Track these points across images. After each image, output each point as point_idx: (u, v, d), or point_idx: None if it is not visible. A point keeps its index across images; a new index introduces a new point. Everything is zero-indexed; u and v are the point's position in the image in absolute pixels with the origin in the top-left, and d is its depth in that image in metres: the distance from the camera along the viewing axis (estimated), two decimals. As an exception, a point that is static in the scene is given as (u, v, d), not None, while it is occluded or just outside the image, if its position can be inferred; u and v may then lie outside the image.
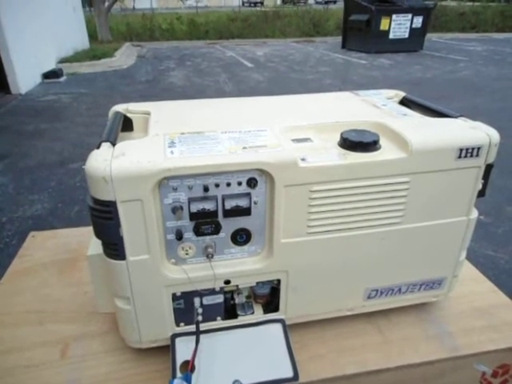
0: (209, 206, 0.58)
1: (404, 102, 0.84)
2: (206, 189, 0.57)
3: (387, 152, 0.62)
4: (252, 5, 26.55)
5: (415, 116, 0.74)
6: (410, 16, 8.65)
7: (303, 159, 0.59)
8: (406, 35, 8.88)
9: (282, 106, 0.82)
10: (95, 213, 0.56)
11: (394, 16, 8.54)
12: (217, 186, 0.58)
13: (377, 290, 0.73)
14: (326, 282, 0.69)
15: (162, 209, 0.58)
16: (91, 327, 0.78)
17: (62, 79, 5.76)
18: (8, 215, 2.24)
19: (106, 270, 0.63)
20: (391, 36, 8.78)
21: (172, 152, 0.57)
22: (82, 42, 8.12)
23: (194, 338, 0.65)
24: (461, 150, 0.62)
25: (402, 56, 8.38)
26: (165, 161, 0.54)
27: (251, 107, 0.81)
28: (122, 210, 0.55)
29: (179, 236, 0.59)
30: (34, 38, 5.49)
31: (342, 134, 0.64)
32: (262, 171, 0.58)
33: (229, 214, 0.60)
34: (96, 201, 0.55)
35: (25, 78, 5.08)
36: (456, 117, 0.71)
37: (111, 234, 0.57)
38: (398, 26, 8.72)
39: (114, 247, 0.58)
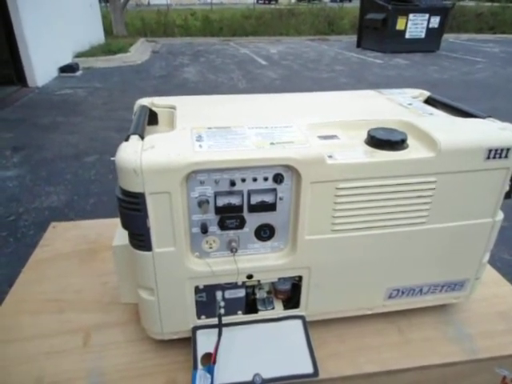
0: (234, 200, 0.59)
1: (429, 102, 0.84)
2: (232, 183, 0.57)
3: (415, 151, 0.62)
4: (266, 2, 26.47)
5: (442, 115, 0.73)
6: (427, 16, 8.53)
7: (330, 156, 0.59)
8: (423, 35, 8.77)
9: (305, 103, 0.82)
10: (124, 204, 0.56)
11: (410, 15, 8.44)
12: (243, 180, 0.58)
13: (398, 290, 0.73)
14: (348, 280, 0.69)
15: (189, 202, 0.58)
16: (111, 317, 0.79)
17: (78, 73, 5.83)
18: (25, 206, 2.27)
19: (130, 261, 0.63)
20: (407, 36, 8.67)
21: (200, 146, 0.57)
22: (97, 36, 8.19)
23: (214, 331, 0.65)
24: (490, 150, 0.62)
25: (418, 56, 8.28)
26: (194, 154, 0.55)
27: (275, 104, 0.81)
28: (150, 202, 0.55)
29: (204, 229, 0.60)
30: (51, 32, 5.56)
31: (369, 131, 0.64)
32: (288, 167, 0.58)
33: (254, 209, 0.60)
34: (125, 192, 0.56)
35: (42, 72, 5.15)
36: (484, 117, 0.71)
37: (139, 226, 0.58)
38: (415, 25, 8.61)
39: (141, 238, 0.59)
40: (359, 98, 0.85)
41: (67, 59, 6.17)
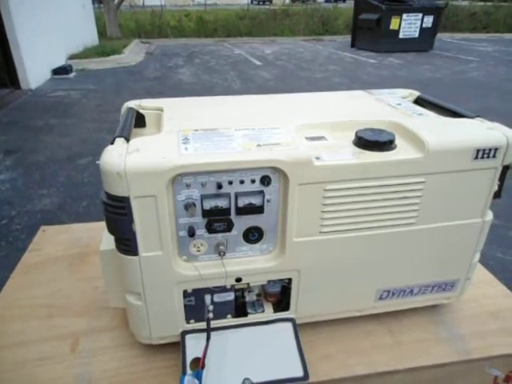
0: (222, 203, 0.58)
1: (419, 102, 0.83)
2: (219, 186, 0.57)
3: (403, 152, 0.62)
4: (261, 3, 26.50)
5: (431, 116, 0.73)
6: (420, 15, 8.58)
7: (318, 158, 0.59)
8: (416, 35, 8.81)
9: (294, 104, 0.81)
10: (109, 208, 0.56)
11: (404, 15, 8.47)
12: (230, 183, 0.57)
13: (388, 291, 0.73)
14: (338, 282, 0.69)
15: (175, 205, 0.58)
16: (101, 322, 0.78)
17: (72, 75, 5.80)
18: (17, 209, 2.26)
19: (117, 266, 0.63)
20: (401, 35, 8.71)
21: (186, 148, 0.56)
22: (91, 38, 8.16)
23: (203, 335, 0.65)
24: (478, 150, 0.62)
25: (411, 55, 8.32)
26: (179, 157, 0.54)
27: (264, 105, 0.81)
28: (135, 206, 0.55)
29: (191, 233, 0.59)
30: (44, 34, 5.53)
31: (357, 132, 0.63)
32: (275, 169, 0.57)
33: (241, 211, 0.59)
34: (110, 196, 0.55)
35: (35, 74, 5.12)
36: (473, 117, 0.70)
37: (124, 230, 0.57)
38: (409, 25, 8.65)
39: (127, 243, 0.58)
40: (348, 99, 0.84)
41: (60, 61, 6.13)
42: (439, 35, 9.50)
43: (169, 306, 0.64)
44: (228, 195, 0.58)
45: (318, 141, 0.64)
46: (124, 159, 0.53)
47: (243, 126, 0.65)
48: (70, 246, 1.01)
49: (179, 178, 0.56)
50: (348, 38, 9.94)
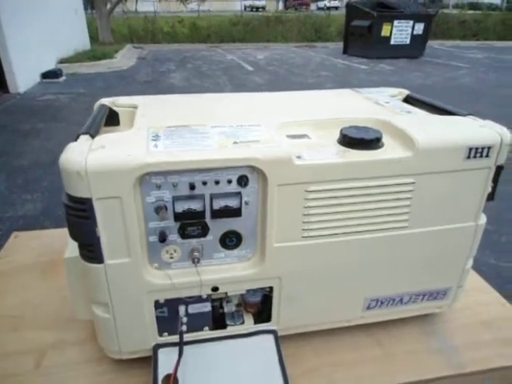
0: (195, 205, 0.54)
1: (408, 101, 0.80)
2: (192, 187, 0.52)
3: (391, 150, 0.58)
4: (254, 10, 26.64)
5: (421, 114, 0.69)
6: (411, 22, 8.65)
7: (299, 156, 0.54)
8: (408, 41, 8.88)
9: (278, 102, 0.77)
10: (70, 211, 0.51)
11: (395, 22, 8.55)
12: (204, 183, 0.53)
13: (377, 300, 0.68)
14: (323, 291, 0.64)
15: (144, 208, 0.53)
16: (70, 334, 0.72)
17: (62, 79, 5.73)
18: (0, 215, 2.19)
19: (84, 274, 0.57)
20: (392, 42, 8.77)
21: (156, 146, 0.52)
22: (82, 43, 8.10)
23: (177, 349, 0.60)
24: (470, 149, 0.58)
25: (402, 62, 8.37)
26: (146, 155, 0.50)
27: (246, 102, 0.76)
28: (98, 209, 0.50)
29: (162, 238, 0.54)
30: (33, 38, 5.46)
31: (341, 130, 0.59)
32: (253, 168, 0.53)
33: (217, 214, 0.55)
34: (70, 198, 0.50)
35: (24, 78, 5.05)
36: (464, 115, 0.67)
37: (87, 235, 0.52)
38: (400, 32, 8.72)
39: (90, 249, 0.53)
40: (334, 97, 0.80)
41: (50, 65, 6.07)
42: (430, 42, 9.59)
43: (139, 317, 0.59)
44: (202, 197, 0.53)
45: (300, 139, 0.60)
46: (85, 157, 0.48)
47: (221, 123, 0.61)
48: (43, 252, 0.95)
49: (147, 178, 0.51)
50: (340, 44, 10.00)
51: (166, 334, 0.63)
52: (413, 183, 0.58)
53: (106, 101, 0.73)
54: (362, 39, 8.82)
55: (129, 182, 0.49)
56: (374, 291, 0.67)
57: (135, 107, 0.70)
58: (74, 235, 0.53)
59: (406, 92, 0.83)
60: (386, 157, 0.56)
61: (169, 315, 0.61)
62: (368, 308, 0.68)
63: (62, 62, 6.51)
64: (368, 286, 0.66)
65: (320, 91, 0.85)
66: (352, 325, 0.70)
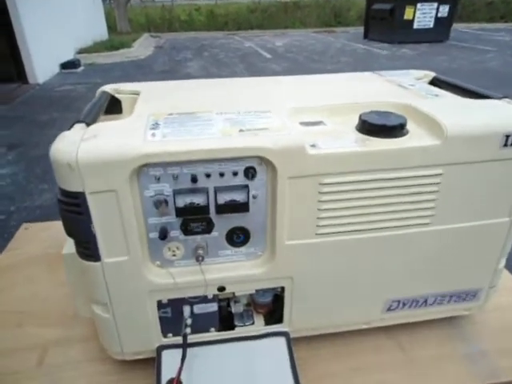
0: (198, 199, 0.49)
1: (435, 83, 0.73)
2: (194, 179, 0.48)
3: (416, 138, 0.51)
4: (272, -5, 26.14)
5: (449, 97, 0.62)
6: (435, 5, 8.29)
7: (313, 145, 0.49)
8: (431, 25, 8.52)
9: (291, 87, 0.71)
10: (63, 206, 0.47)
11: (418, 5, 8.20)
12: (208, 176, 0.48)
13: (398, 301, 0.63)
14: (338, 291, 0.59)
15: (143, 202, 0.49)
16: (74, 331, 0.70)
17: (80, 69, 5.76)
18: (17, 204, 2.21)
19: (81, 272, 0.54)
20: (415, 26, 8.43)
21: (153, 134, 0.47)
22: (100, 33, 8.12)
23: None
24: (507, 136, 0.51)
25: (425, 46, 8.06)
26: (143, 144, 0.45)
27: (256, 87, 0.71)
28: (92, 203, 0.46)
29: (163, 235, 0.50)
30: (52, 29, 5.49)
31: (360, 116, 0.53)
32: (261, 159, 0.48)
33: (222, 209, 0.50)
34: (63, 192, 0.46)
35: (42, 69, 5.09)
36: (499, 98, 0.60)
37: (82, 231, 0.48)
38: (423, 15, 8.37)
39: (86, 246, 0.49)
40: (353, 81, 0.74)
41: (69, 55, 6.10)
42: (455, 25, 9.19)
43: (141, 318, 0.56)
44: (206, 190, 0.49)
45: (315, 126, 0.54)
46: (77, 147, 0.44)
47: (227, 109, 0.56)
48: (52, 244, 0.93)
49: (145, 170, 0.47)
50: (361, 29, 9.70)
51: (170, 334, 0.59)
52: (440, 175, 0.52)
53: (108, 87, 0.69)
54: (383, 23, 8.52)
55: (124, 174, 0.45)
56: (394, 292, 0.62)
57: (139, 94, 0.66)
58: (68, 232, 0.49)
59: (432, 74, 0.76)
60: (411, 145, 0.50)
61: (173, 315, 0.57)
62: (389, 309, 0.63)
63: (80, 52, 6.54)
64: (388, 286, 0.61)
65: (337, 75, 0.78)
66: (371, 327, 0.65)
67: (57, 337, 0.69)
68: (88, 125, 0.50)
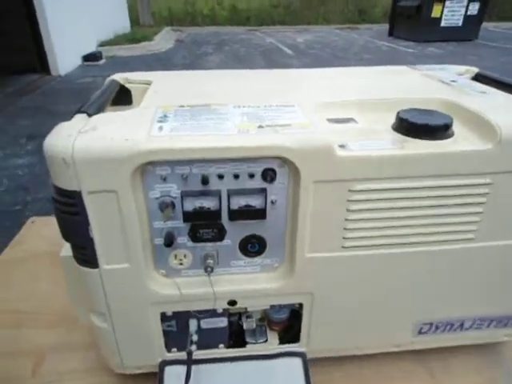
0: (209, 203, 0.43)
1: (479, 80, 0.65)
2: (204, 180, 0.42)
3: (463, 141, 0.44)
4: (295, -9, 25.87)
5: (499, 95, 0.55)
6: (465, 2, 7.99)
7: (342, 146, 0.42)
8: (460, 23, 8.23)
9: (317, 79, 0.65)
10: (57, 205, 0.42)
11: (447, 2, 7.92)
12: (220, 177, 0.42)
13: (431, 324, 0.56)
14: (364, 310, 0.53)
15: (147, 204, 0.43)
16: (74, 336, 0.66)
17: (101, 62, 5.79)
18: (32, 195, 2.20)
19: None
20: (443, 24, 8.16)
21: (160, 128, 0.41)
22: (123, 26, 8.15)
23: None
24: None
25: (453, 45, 7.80)
26: (148, 139, 0.39)
27: (279, 79, 0.64)
28: (89, 204, 0.41)
29: (169, 241, 0.44)
30: (75, 21, 5.52)
31: (398, 113, 0.46)
32: (283, 160, 0.42)
33: (236, 215, 0.44)
34: (57, 190, 0.41)
35: (64, 60, 5.13)
36: (559, 97, 0.52)
37: (78, 235, 0.43)
38: (452, 12, 8.09)
39: (83, 251, 0.44)
40: (386, 74, 0.67)
41: (91, 48, 6.14)
42: (485, 24, 8.86)
43: (143, 330, 0.51)
44: (218, 193, 0.43)
45: (344, 124, 0.48)
46: (73, 141, 0.39)
47: (245, 102, 0.49)
48: (56, 240, 0.88)
49: (150, 169, 0.41)
50: (386, 26, 9.46)
51: (174, 349, 0.54)
52: (490, 184, 0.45)
53: (118, 76, 0.63)
54: (409, 21, 8.28)
55: (125, 172, 0.39)
56: (427, 313, 0.55)
57: (150, 84, 0.60)
58: (64, 235, 0.44)
59: (475, 70, 0.68)
60: (457, 149, 0.43)
61: (178, 329, 0.52)
62: (420, 332, 0.56)
63: (102, 44, 6.57)
64: (420, 306, 0.54)
65: (368, 68, 0.71)
66: (400, 350, 0.58)
67: (56, 341, 0.65)
68: (90, 116, 0.45)
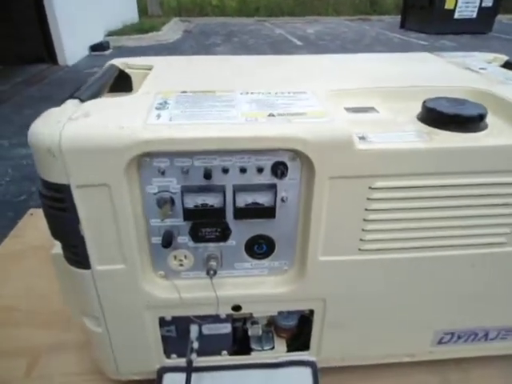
0: (212, 200, 0.39)
1: (509, 68, 0.59)
2: (207, 175, 0.37)
3: (498, 133, 0.39)
4: (306, -18, 25.52)
5: (536, 83, 0.49)
6: (480, -7, 7.80)
7: (362, 138, 0.38)
8: (474, 15, 8.02)
9: (332, 65, 0.60)
10: (45, 201, 0.38)
11: (461, -7, 7.74)
12: (225, 171, 0.38)
13: (452, 334, 0.51)
14: (381, 318, 0.48)
15: (144, 200, 0.39)
16: (70, 336, 0.62)
17: (108, 52, 5.73)
18: (37, 186, 2.18)
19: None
20: (456, 16, 7.96)
21: (158, 116, 0.37)
22: (131, 16, 8.08)
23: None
24: None
25: (466, 38, 7.62)
26: (144, 128, 0.35)
27: (292, 65, 0.59)
28: (79, 199, 0.37)
29: (167, 241, 0.40)
30: (83, 11, 5.47)
31: (424, 102, 0.41)
32: (295, 153, 0.37)
33: (242, 214, 0.40)
34: (44, 183, 0.37)
35: (72, 50, 5.09)
36: None
37: (68, 233, 0.39)
38: (466, 4, 7.88)
39: (74, 251, 0.40)
40: (409, 61, 0.61)
41: (99, 38, 6.09)
42: (499, 17, 8.64)
43: (139, 336, 0.47)
44: (222, 189, 0.39)
45: (365, 113, 0.43)
46: (61, 129, 0.34)
47: (254, 88, 0.45)
48: (56, 234, 0.86)
49: (148, 161, 0.37)
50: (397, 18, 9.27)
51: (174, 355, 0.50)
52: (527, 183, 0.40)
53: (118, 61, 0.59)
54: (422, 12, 8.09)
55: (119, 164, 0.35)
56: (449, 322, 0.50)
57: (151, 69, 0.56)
58: (53, 232, 0.40)
59: (504, 58, 0.63)
60: (492, 143, 0.38)
61: (178, 335, 0.48)
62: (440, 342, 0.52)
63: (109, 34, 6.52)
64: (442, 315, 0.49)
65: (387, 54, 0.66)
66: (417, 360, 0.54)
67: (51, 341, 0.62)
68: (83, 101, 0.41)
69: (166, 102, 0.40)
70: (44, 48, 4.78)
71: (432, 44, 6.95)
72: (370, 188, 0.38)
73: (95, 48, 5.65)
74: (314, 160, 0.36)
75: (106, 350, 0.48)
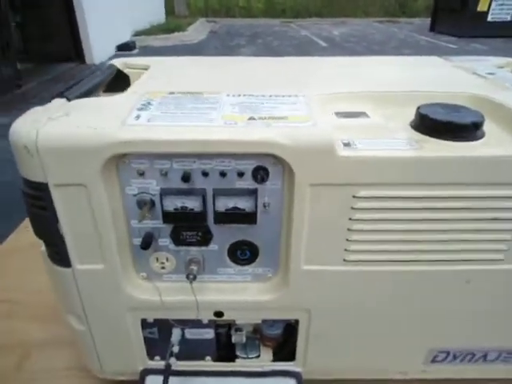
0: (192, 203, 0.38)
1: (522, 73, 0.56)
2: (186, 177, 0.37)
3: (495, 143, 0.37)
4: (334, -17, 25.28)
5: (546, 90, 0.46)
6: (515, -5, 7.52)
7: (347, 144, 0.36)
8: (509, 18, 7.73)
9: (337, 68, 0.58)
10: (26, 198, 0.38)
11: (495, -5, 7.48)
12: (205, 174, 0.37)
13: (447, 353, 0.49)
14: (369, 332, 0.46)
15: (125, 201, 0.39)
16: (63, 331, 0.61)
17: (134, 52, 5.86)
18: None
19: (57, 275, 0.46)
20: (490, 18, 7.69)
21: (137, 117, 0.37)
22: (158, 16, 8.24)
23: (172, 377, 0.46)
24: None
25: (500, 42, 7.35)
26: (120, 128, 0.35)
27: (294, 67, 0.58)
28: (57, 198, 0.37)
29: (146, 243, 0.40)
30: (111, 10, 5.61)
31: (418, 108, 0.39)
32: (275, 157, 0.36)
33: (222, 219, 0.39)
34: (24, 181, 0.37)
35: (100, 50, 5.22)
36: None
37: (47, 231, 0.39)
38: (500, 6, 7.61)
39: (55, 249, 0.41)
40: (414, 65, 0.59)
41: (125, 37, 6.23)
42: (536, 19, 8.29)
43: (121, 336, 0.47)
44: (202, 192, 0.38)
45: (354, 118, 0.41)
46: (38, 128, 0.35)
47: (243, 91, 0.44)
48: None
49: (126, 162, 0.37)
50: (427, 20, 9.05)
51: (157, 357, 0.49)
52: (526, 197, 0.37)
53: (118, 61, 0.59)
54: (453, 15, 7.86)
55: (95, 164, 0.35)
56: (443, 340, 0.48)
57: (147, 68, 0.56)
58: (34, 229, 0.41)
59: (518, 62, 0.59)
60: (488, 153, 0.36)
61: (160, 337, 0.48)
62: (434, 361, 0.49)
63: (136, 34, 6.66)
64: (436, 332, 0.47)
65: (395, 57, 0.64)
66: (408, 378, 0.51)
67: (44, 335, 0.62)
68: (69, 100, 0.41)
69: (149, 103, 0.40)
70: (72, 47, 4.93)
71: (462, 47, 6.75)
72: (353, 197, 0.37)
73: (121, 48, 5.78)
74: (293, 166, 0.35)
75: (89, 349, 0.48)
